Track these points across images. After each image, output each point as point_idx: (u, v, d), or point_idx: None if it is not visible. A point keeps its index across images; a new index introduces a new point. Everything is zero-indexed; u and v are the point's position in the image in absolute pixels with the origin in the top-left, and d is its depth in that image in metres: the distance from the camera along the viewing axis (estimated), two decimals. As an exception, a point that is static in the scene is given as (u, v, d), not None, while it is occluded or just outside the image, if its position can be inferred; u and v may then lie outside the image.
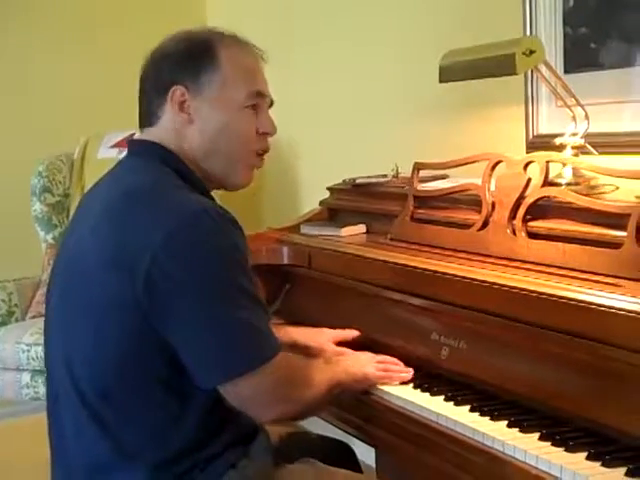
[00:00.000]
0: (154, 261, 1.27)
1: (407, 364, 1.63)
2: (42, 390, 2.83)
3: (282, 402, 1.36)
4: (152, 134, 1.46)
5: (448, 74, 1.78)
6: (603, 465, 1.20)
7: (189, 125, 1.43)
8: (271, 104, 1.52)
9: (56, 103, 3.54)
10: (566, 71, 1.99)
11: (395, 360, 1.63)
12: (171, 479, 1.34)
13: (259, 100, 1.48)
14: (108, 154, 3.30)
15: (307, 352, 1.77)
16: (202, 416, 1.35)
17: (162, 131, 1.44)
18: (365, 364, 1.59)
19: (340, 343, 1.77)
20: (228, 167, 1.47)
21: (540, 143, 1.96)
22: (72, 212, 3.30)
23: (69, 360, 1.37)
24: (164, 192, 1.36)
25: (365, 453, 2.19)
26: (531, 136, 2.08)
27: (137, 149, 1.47)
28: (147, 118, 1.46)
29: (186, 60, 1.43)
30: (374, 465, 2.25)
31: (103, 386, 1.34)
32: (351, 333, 1.80)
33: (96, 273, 1.33)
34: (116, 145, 3.37)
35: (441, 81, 1.81)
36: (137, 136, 1.50)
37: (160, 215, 1.31)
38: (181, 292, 1.28)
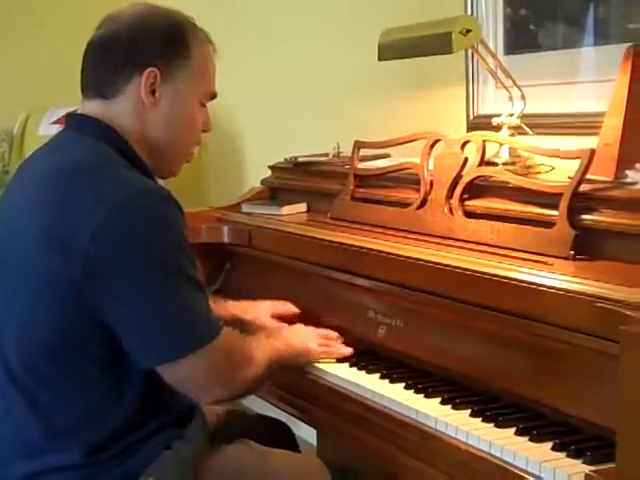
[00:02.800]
0: (92, 240, 1.24)
1: (344, 342, 1.64)
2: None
3: (221, 384, 1.35)
4: (103, 107, 1.40)
5: (386, 52, 1.78)
6: (531, 440, 1.22)
7: (153, 109, 1.40)
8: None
9: (-4, 76, 3.46)
10: (507, 52, 2.01)
11: (336, 335, 1.65)
12: (106, 460, 1.32)
13: (210, 100, 1.50)
14: (50, 130, 3.23)
15: (244, 325, 1.79)
16: (138, 397, 1.33)
17: (120, 106, 1.39)
18: (308, 338, 1.60)
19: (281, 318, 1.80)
20: (173, 156, 1.47)
21: (481, 123, 1.97)
22: (11, 189, 3.24)
23: (0, 340, 1.34)
24: (104, 170, 1.33)
25: (308, 433, 2.21)
26: (472, 116, 2.10)
27: (76, 125, 1.43)
28: (101, 87, 1.40)
29: (165, 42, 1.40)
30: (315, 444, 2.27)
31: (34, 365, 1.31)
32: (289, 307, 1.82)
33: (31, 250, 1.30)
34: (59, 121, 3.30)
35: (380, 59, 1.81)
36: (81, 110, 1.44)
37: (99, 193, 1.28)
38: (119, 272, 1.26)
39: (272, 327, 1.73)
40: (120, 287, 1.26)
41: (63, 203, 1.29)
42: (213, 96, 1.50)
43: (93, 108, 1.41)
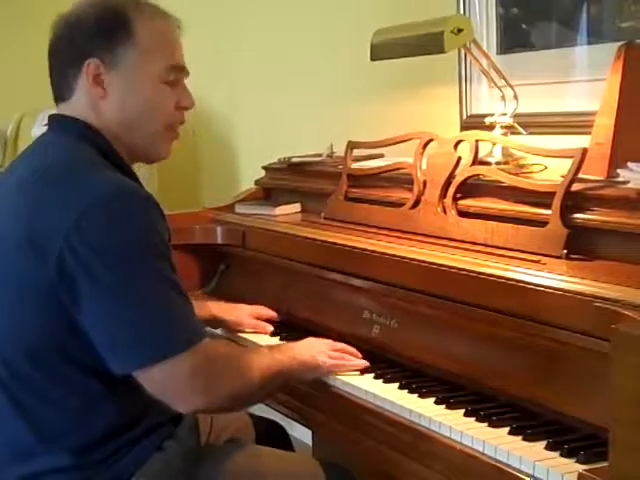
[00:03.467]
0: (66, 242, 1.22)
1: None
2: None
3: (201, 393, 1.29)
4: (68, 109, 1.40)
5: (379, 52, 1.78)
6: (524, 439, 1.22)
7: (103, 100, 1.37)
8: (187, 74, 1.47)
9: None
10: (500, 52, 2.01)
11: (353, 350, 1.56)
12: (96, 463, 1.31)
13: (177, 74, 1.43)
14: (42, 131, 3.21)
15: (224, 326, 1.83)
16: (125, 399, 1.32)
17: (77, 106, 1.39)
18: (318, 351, 1.52)
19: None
20: (148, 142, 1.43)
21: (474, 123, 1.97)
22: (5, 191, 3.24)
23: None
24: (79, 170, 1.31)
25: (304, 433, 2.21)
26: (465, 116, 2.10)
27: (55, 124, 1.42)
28: (60, 91, 1.41)
29: (100, 30, 1.37)
30: (310, 444, 2.27)
31: (19, 370, 1.30)
32: (269, 312, 1.84)
33: (10, 253, 1.29)
34: (51, 123, 3.30)
35: (372, 59, 1.81)
36: (56, 111, 1.44)
37: (74, 194, 1.26)
38: (93, 276, 1.23)
39: (248, 325, 1.79)
40: (92, 291, 1.24)
41: (39, 206, 1.28)
42: (179, 70, 1.43)
43: (61, 111, 1.41)
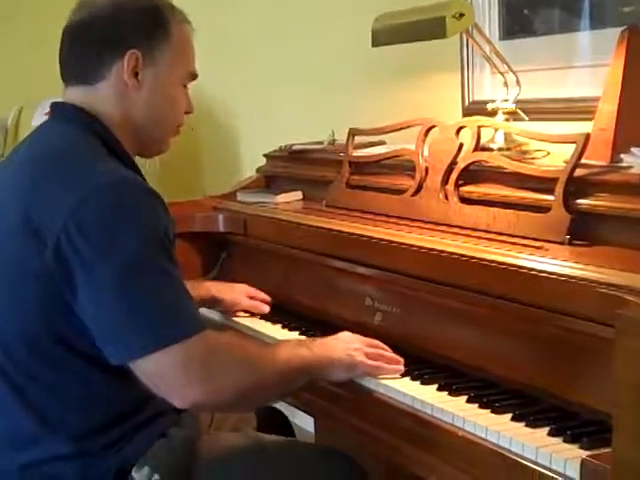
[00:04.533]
0: (64, 230, 1.22)
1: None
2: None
3: (197, 384, 1.24)
4: (85, 94, 1.38)
5: (380, 38, 1.77)
6: (527, 426, 1.22)
7: (135, 92, 1.39)
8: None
9: (-10, 68, 3.45)
10: (502, 37, 2.00)
11: (383, 345, 1.48)
12: (98, 450, 1.31)
13: (191, 80, 1.49)
14: (43, 121, 3.22)
15: (222, 305, 1.85)
16: (127, 387, 1.31)
17: (103, 91, 1.38)
18: (354, 348, 1.43)
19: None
20: (160, 138, 1.47)
21: (476, 109, 1.96)
22: (6, 181, 3.23)
23: None
24: (81, 158, 1.31)
25: (306, 421, 2.21)
26: (467, 102, 2.09)
27: (59, 113, 1.42)
28: (83, 73, 1.39)
29: (144, 24, 1.38)
30: (313, 432, 2.27)
31: (18, 357, 1.30)
32: (263, 295, 1.87)
33: (7, 240, 1.29)
34: (52, 112, 3.29)
35: (373, 45, 1.80)
36: (64, 98, 1.42)
37: (74, 182, 1.26)
38: (89, 265, 1.22)
39: (245, 306, 1.83)
40: (88, 281, 1.23)
41: (38, 192, 1.28)
42: (194, 77, 1.49)
43: (76, 95, 1.40)
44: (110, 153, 1.35)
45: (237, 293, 1.86)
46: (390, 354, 1.47)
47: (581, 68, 1.83)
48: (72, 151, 1.33)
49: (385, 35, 1.76)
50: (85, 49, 1.39)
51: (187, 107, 1.48)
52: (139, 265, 1.24)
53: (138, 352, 1.23)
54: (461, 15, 1.57)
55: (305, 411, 1.73)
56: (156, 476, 1.30)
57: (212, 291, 1.83)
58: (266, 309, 1.85)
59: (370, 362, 1.43)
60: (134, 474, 1.30)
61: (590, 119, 1.57)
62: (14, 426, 1.32)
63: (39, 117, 3.28)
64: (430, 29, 1.62)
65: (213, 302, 1.84)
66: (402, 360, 1.46)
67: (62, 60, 1.42)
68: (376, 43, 1.79)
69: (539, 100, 1.86)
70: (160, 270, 1.26)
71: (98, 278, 1.22)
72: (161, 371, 1.24)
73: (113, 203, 1.24)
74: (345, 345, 1.44)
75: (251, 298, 1.86)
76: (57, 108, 1.43)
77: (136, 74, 1.38)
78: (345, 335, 1.48)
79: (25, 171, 1.32)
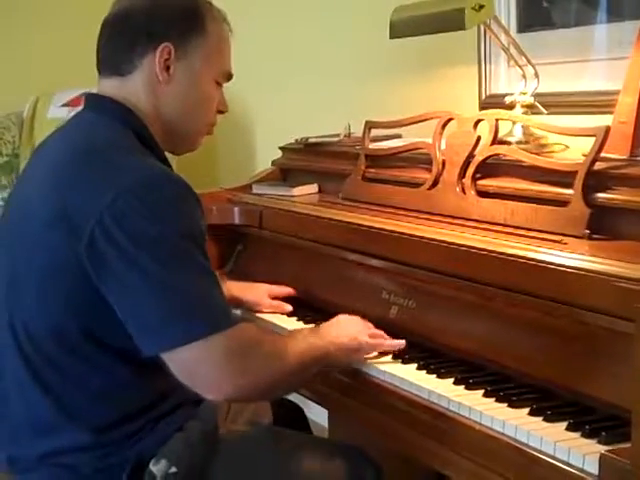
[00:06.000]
0: (99, 223, 1.22)
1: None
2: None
3: (229, 379, 1.26)
4: (119, 85, 1.39)
5: (398, 30, 1.75)
6: (545, 420, 1.21)
7: (166, 85, 1.39)
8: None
9: (5, 60, 3.44)
10: (520, 30, 1.99)
11: (382, 333, 1.52)
12: (117, 442, 1.32)
13: (225, 80, 1.49)
14: (58, 113, 3.23)
15: (244, 306, 1.83)
16: (148, 380, 1.32)
17: (134, 83, 1.39)
18: (357, 331, 1.48)
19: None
20: (191, 134, 1.47)
21: (493, 103, 1.94)
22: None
23: (12, 318, 1.34)
24: (117, 152, 1.31)
25: (320, 414, 2.20)
26: (484, 95, 2.08)
27: (93, 104, 1.42)
28: (117, 64, 1.40)
29: (180, 18, 1.39)
30: (326, 425, 2.27)
31: (44, 346, 1.31)
32: (286, 290, 1.83)
33: (40, 233, 1.29)
34: (67, 104, 3.29)
35: (391, 37, 1.78)
36: (98, 89, 1.43)
37: (110, 175, 1.26)
38: (124, 257, 1.23)
39: (267, 306, 1.78)
40: (123, 272, 1.23)
41: (74, 184, 1.28)
42: (229, 76, 1.49)
43: (110, 86, 1.40)
44: (144, 147, 1.35)
45: (259, 293, 1.82)
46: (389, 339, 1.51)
47: (599, 61, 1.82)
48: (108, 145, 1.33)
49: (403, 27, 1.74)
50: (119, 40, 1.40)
51: (221, 106, 1.49)
52: (176, 258, 1.25)
53: (172, 344, 1.24)
54: (481, 7, 1.55)
55: (319, 403, 1.72)
56: (173, 469, 1.30)
57: (233, 291, 1.80)
58: (288, 308, 1.80)
59: (373, 341, 1.48)
60: (151, 467, 1.30)
61: (609, 113, 1.56)
62: (35, 414, 1.33)
63: (55, 109, 3.29)
64: (449, 21, 1.60)
65: (234, 302, 1.80)
66: (403, 341, 1.50)
67: (99, 51, 1.43)
68: (394, 35, 1.77)
69: (557, 93, 1.84)
70: (196, 263, 1.27)
71: (132, 270, 1.22)
72: (194, 364, 1.25)
73: (151, 197, 1.25)
74: (347, 329, 1.48)
75: (274, 297, 1.83)
76: (91, 99, 1.43)
77: (167, 68, 1.38)
78: (345, 319, 1.52)
79: (61, 165, 1.32)
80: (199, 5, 1.42)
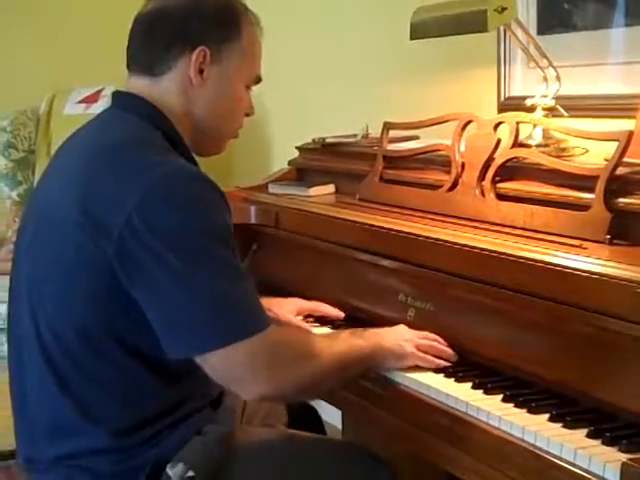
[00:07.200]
0: (128, 222, 1.21)
1: (374, 325, 1.59)
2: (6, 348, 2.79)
3: (266, 379, 1.25)
4: (150, 84, 1.38)
5: (419, 31, 1.74)
6: (565, 427, 1.20)
7: (199, 88, 1.39)
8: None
9: (22, 56, 3.45)
10: (540, 32, 1.97)
11: (438, 338, 1.49)
12: (135, 446, 1.31)
13: (255, 84, 1.49)
14: (75, 110, 3.24)
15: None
16: (169, 384, 1.31)
17: (167, 83, 1.38)
18: (405, 339, 1.45)
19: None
20: (218, 138, 1.47)
21: (512, 105, 1.94)
22: (38, 169, 3.25)
23: (35, 317, 1.33)
24: (144, 151, 1.30)
25: (332, 415, 2.20)
26: (503, 98, 2.07)
27: (120, 102, 1.41)
28: (150, 64, 1.38)
29: (216, 22, 1.38)
30: (340, 427, 2.26)
31: (67, 346, 1.29)
32: (321, 307, 1.74)
33: (65, 232, 1.28)
34: (84, 101, 3.30)
35: (412, 38, 1.77)
36: (126, 87, 1.42)
37: (138, 174, 1.25)
38: (155, 258, 1.21)
39: (288, 323, 1.67)
40: (152, 274, 1.22)
41: (102, 182, 1.26)
42: (258, 80, 1.49)
43: (140, 85, 1.39)
44: (170, 147, 1.34)
45: (287, 310, 1.74)
46: (441, 346, 1.48)
47: (620, 65, 1.80)
48: (135, 143, 1.31)
49: (424, 28, 1.73)
50: (154, 40, 1.38)
51: (248, 109, 1.48)
52: (206, 258, 1.23)
53: (205, 347, 1.23)
54: (503, 9, 1.54)
55: (335, 405, 1.72)
56: (190, 473, 1.29)
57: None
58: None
59: (420, 354, 1.45)
60: (168, 470, 1.29)
61: (630, 117, 1.55)
62: (55, 415, 1.32)
63: (71, 105, 3.30)
64: (471, 22, 1.59)
65: None
66: (453, 353, 1.46)
67: (129, 48, 1.42)
68: (415, 36, 1.76)
69: (575, 96, 1.83)
70: (227, 264, 1.25)
71: (164, 270, 1.21)
72: (228, 366, 1.24)
73: (179, 196, 1.24)
74: (396, 335, 1.46)
75: (306, 315, 1.74)
76: (119, 97, 1.42)
77: (201, 71, 1.38)
78: (400, 327, 1.51)
79: (87, 163, 1.31)
80: (236, 8, 1.41)
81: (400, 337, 1.46)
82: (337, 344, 1.38)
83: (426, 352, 1.45)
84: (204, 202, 1.26)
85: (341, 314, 1.71)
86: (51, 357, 1.31)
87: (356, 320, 1.69)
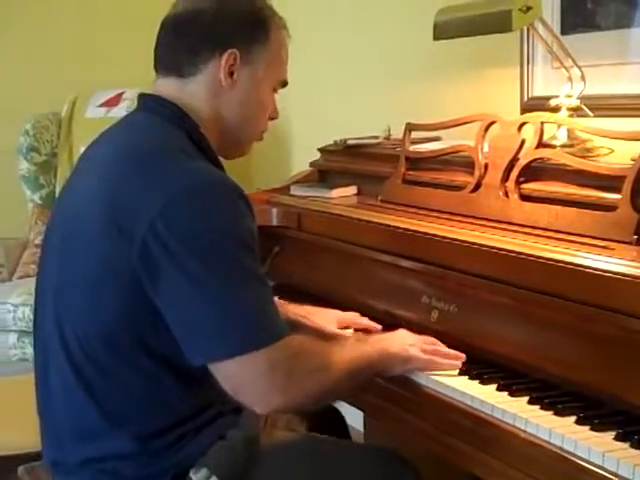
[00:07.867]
0: (152, 228, 1.20)
1: (396, 327, 1.57)
2: (30, 351, 2.81)
3: (280, 391, 1.24)
4: (178, 86, 1.38)
5: (443, 31, 1.74)
6: (592, 429, 1.19)
7: (228, 91, 1.39)
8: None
9: (44, 60, 3.48)
10: (563, 32, 1.96)
11: (437, 341, 1.49)
12: (158, 451, 1.30)
13: (281, 88, 1.49)
14: (96, 113, 3.26)
15: (305, 332, 1.65)
16: (193, 390, 1.31)
17: (196, 86, 1.37)
18: (410, 344, 1.44)
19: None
20: (243, 140, 1.47)
21: (535, 105, 1.93)
22: (59, 172, 3.27)
23: (60, 323, 1.32)
24: (170, 155, 1.29)
25: (354, 417, 2.19)
26: (526, 98, 2.05)
27: (146, 105, 1.40)
28: (179, 66, 1.38)
29: (246, 24, 1.38)
30: (362, 429, 2.26)
31: (93, 352, 1.29)
32: (359, 319, 1.70)
33: (91, 237, 1.27)
34: (105, 104, 3.32)
35: (435, 38, 1.76)
36: (153, 89, 1.41)
37: (163, 179, 1.24)
38: (177, 263, 1.21)
39: (329, 333, 1.62)
40: (175, 278, 1.21)
41: (127, 187, 1.26)
42: (284, 84, 1.49)
43: (168, 87, 1.39)
44: (197, 151, 1.33)
45: (329, 320, 1.68)
46: (446, 350, 1.47)
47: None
48: (160, 147, 1.31)
49: (448, 28, 1.72)
50: (183, 42, 1.38)
51: (272, 113, 1.48)
52: (229, 265, 1.22)
53: (221, 355, 1.22)
54: (528, 8, 1.53)
55: (358, 407, 1.71)
56: (214, 478, 1.28)
57: (294, 315, 1.67)
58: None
59: (424, 356, 1.44)
60: (192, 475, 1.29)
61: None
62: (79, 418, 1.32)
63: (93, 109, 3.32)
64: (496, 22, 1.58)
65: (292, 328, 1.58)
66: (463, 356, 1.45)
67: (157, 50, 1.41)
68: (438, 36, 1.75)
69: (601, 96, 1.82)
70: (248, 272, 1.24)
71: (185, 276, 1.20)
72: (242, 376, 1.23)
73: (203, 202, 1.23)
74: (401, 340, 1.45)
75: (345, 327, 1.68)
76: (146, 100, 1.41)
77: (231, 73, 1.38)
78: (401, 331, 1.49)
79: (112, 167, 1.30)
80: (264, 11, 1.41)
81: (405, 341, 1.45)
82: (345, 351, 1.36)
83: (433, 354, 1.44)
84: (228, 208, 1.25)
85: (378, 326, 1.68)
86: (76, 363, 1.30)
87: (378, 322, 1.68)
